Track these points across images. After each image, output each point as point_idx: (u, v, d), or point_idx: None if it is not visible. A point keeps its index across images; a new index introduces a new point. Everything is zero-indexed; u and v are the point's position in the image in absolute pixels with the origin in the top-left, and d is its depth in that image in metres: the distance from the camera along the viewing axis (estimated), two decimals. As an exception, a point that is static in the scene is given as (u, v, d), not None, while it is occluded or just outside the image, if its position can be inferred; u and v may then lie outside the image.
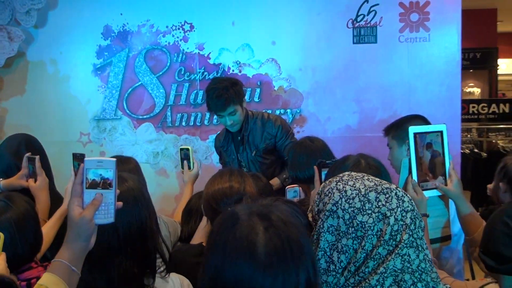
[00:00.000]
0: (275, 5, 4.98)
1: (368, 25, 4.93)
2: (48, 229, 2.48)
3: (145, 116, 5.13)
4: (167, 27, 5.06)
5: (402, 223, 1.44)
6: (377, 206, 1.45)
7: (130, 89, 5.11)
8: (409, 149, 2.21)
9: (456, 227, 2.63)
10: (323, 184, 1.58)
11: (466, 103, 9.01)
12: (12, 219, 2.02)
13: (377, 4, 4.90)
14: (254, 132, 3.81)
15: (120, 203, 1.48)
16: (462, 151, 6.85)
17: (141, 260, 1.68)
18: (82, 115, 5.12)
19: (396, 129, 2.85)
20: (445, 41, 4.90)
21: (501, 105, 9.05)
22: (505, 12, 10.52)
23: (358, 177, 1.54)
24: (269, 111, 4.97)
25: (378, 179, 1.54)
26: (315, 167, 2.34)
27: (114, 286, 1.64)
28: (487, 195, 5.11)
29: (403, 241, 1.42)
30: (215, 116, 4.68)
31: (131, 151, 5.09)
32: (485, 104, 9.13)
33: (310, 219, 1.56)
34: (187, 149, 3.35)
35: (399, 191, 1.49)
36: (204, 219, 2.21)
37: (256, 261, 1.13)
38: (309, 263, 1.18)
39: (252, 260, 1.13)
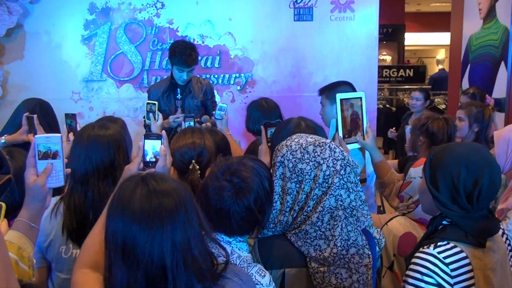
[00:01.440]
0: (232, -12, 4.89)
1: (306, 6, 4.89)
2: None
3: (125, 78, 4.99)
4: (142, 5, 4.88)
5: (333, 169, 1.47)
6: (314, 156, 1.49)
7: (113, 56, 4.94)
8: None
9: (369, 170, 2.72)
10: (279, 143, 1.59)
11: (380, 68, 9.12)
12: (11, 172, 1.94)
13: (314, -11, 4.86)
14: (195, 86, 3.73)
15: (69, 170, 1.54)
16: (377, 106, 7.00)
17: (111, 183, 1.83)
18: (73, 77, 4.93)
19: (329, 91, 2.84)
20: (366, 21, 4.92)
21: (407, 70, 9.23)
22: (411, -4, 10.65)
23: (304, 136, 1.57)
24: (227, 75, 4.98)
25: (320, 137, 1.56)
26: (262, 126, 2.27)
27: (92, 201, 1.82)
28: (393, 139, 5.33)
29: (334, 183, 1.46)
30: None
31: (115, 107, 4.98)
32: (395, 70, 9.30)
33: (271, 171, 1.56)
34: (154, 104, 3.23)
35: (332, 144, 1.52)
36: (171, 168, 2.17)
37: (129, 215, 1.10)
38: (178, 230, 1.11)
39: (126, 213, 1.11)
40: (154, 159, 1.62)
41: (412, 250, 1.55)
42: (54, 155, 1.45)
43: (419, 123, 2.73)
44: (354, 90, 2.88)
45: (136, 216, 1.09)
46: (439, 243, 1.43)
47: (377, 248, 1.57)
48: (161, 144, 1.64)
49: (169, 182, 1.17)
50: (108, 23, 4.87)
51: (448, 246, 1.42)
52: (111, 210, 1.15)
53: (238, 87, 5.03)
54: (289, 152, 1.52)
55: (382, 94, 8.26)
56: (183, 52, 3.45)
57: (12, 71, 4.86)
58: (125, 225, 1.09)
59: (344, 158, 1.50)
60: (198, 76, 3.91)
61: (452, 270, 1.39)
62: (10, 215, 1.73)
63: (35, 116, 2.70)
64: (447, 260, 1.40)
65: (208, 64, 4.97)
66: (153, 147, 1.65)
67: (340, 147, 1.54)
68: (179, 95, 3.69)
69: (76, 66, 4.94)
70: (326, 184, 1.47)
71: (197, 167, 1.98)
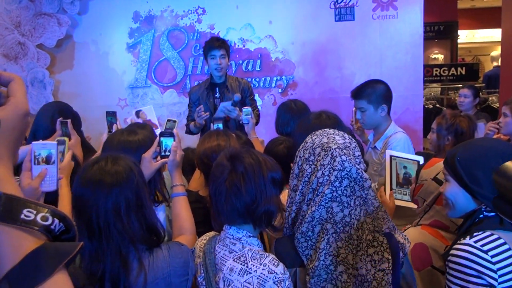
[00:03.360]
0: (271, -9, 4.83)
1: (347, 5, 4.77)
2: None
3: (169, 84, 5.05)
4: (184, 11, 4.93)
5: (327, 178, 1.40)
6: (317, 160, 1.44)
7: (156, 63, 5.01)
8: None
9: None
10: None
11: (430, 67, 8.81)
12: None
13: (354, -12, 4.73)
14: (233, 84, 3.74)
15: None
16: (426, 106, 6.73)
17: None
18: (119, 84, 5.05)
19: (371, 95, 2.74)
20: (410, 18, 4.73)
21: (459, 69, 8.82)
22: (464, -8, 10.20)
23: (327, 134, 1.50)
24: (268, 78, 4.93)
25: (340, 137, 1.48)
26: None
27: None
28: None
29: (325, 194, 1.39)
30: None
31: (159, 112, 5.01)
32: (446, 68, 8.90)
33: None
34: (174, 121, 2.98)
35: (336, 151, 1.42)
36: (197, 171, 2.14)
37: (82, 180, 1.43)
38: (109, 200, 1.39)
39: (81, 179, 1.43)
40: (168, 153, 1.88)
41: (449, 245, 1.51)
42: (49, 161, 1.56)
43: (446, 123, 2.61)
44: (388, 88, 2.76)
45: (85, 183, 1.42)
46: (475, 234, 1.40)
47: (401, 254, 1.45)
48: (173, 141, 1.91)
49: (119, 166, 1.46)
50: (151, 31, 4.95)
51: (484, 235, 1.39)
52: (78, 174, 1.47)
53: (280, 90, 4.96)
54: (302, 149, 1.49)
55: (433, 94, 7.92)
56: (211, 39, 3.67)
57: (63, 80, 5.04)
58: (78, 187, 1.43)
59: (342, 170, 1.39)
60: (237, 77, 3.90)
61: (492, 257, 1.35)
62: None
63: (69, 121, 2.70)
64: (486, 248, 1.36)
65: (249, 67, 4.94)
66: (166, 143, 1.92)
67: (344, 156, 1.41)
68: (217, 93, 3.73)
69: (122, 73, 5.05)
70: (317, 192, 1.41)
71: None
